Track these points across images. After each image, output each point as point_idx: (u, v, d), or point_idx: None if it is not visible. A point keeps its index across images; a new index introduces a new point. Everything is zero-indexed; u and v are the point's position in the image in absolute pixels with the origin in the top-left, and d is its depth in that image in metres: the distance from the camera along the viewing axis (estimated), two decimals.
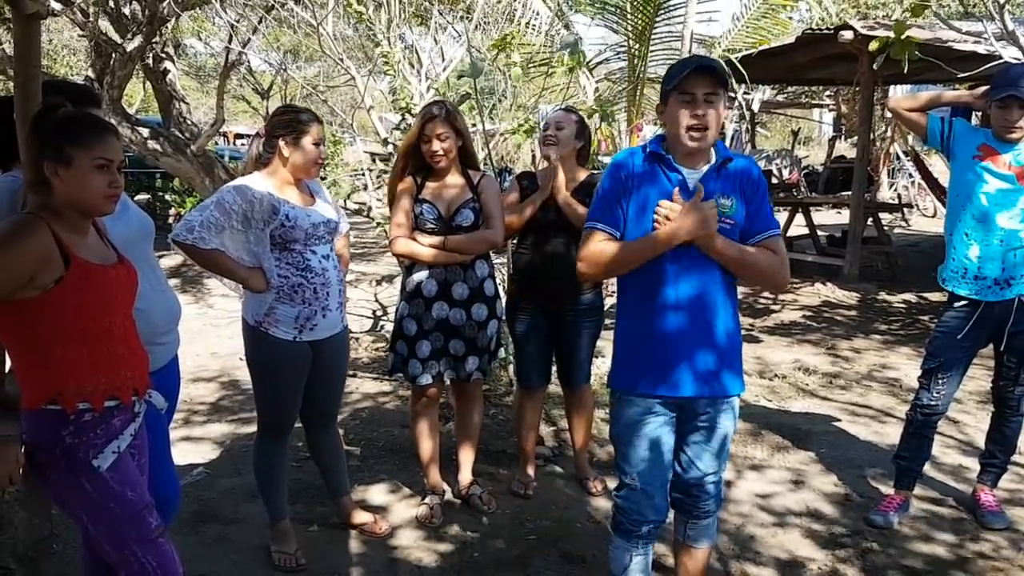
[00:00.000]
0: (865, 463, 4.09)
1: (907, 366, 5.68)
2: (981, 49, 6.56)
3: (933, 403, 3.44)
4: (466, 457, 3.72)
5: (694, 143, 2.30)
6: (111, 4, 8.40)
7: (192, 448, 4.34)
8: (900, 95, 3.05)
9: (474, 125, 5.87)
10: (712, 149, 2.38)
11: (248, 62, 16.65)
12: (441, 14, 7.59)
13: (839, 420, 4.74)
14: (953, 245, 3.34)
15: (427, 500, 3.57)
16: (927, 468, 3.93)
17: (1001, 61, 6.04)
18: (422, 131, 3.33)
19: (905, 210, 13.50)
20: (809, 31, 8.33)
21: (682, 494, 2.53)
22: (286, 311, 2.96)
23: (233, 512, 3.57)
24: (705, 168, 2.36)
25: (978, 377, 5.57)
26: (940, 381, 3.40)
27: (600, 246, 2.38)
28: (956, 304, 3.34)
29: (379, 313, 7.34)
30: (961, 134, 3.35)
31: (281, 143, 2.95)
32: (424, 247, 3.34)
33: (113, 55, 9.19)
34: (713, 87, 2.27)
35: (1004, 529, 3.43)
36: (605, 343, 3.52)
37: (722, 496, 2.61)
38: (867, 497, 3.71)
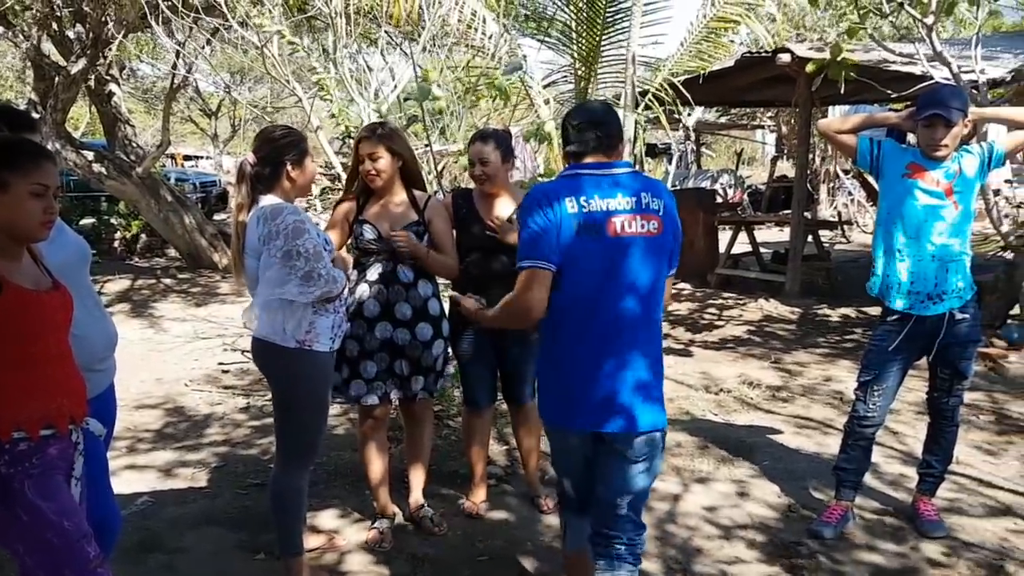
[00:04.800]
0: (808, 474, 4.18)
1: (848, 379, 5.81)
2: (914, 70, 6.79)
3: (870, 414, 3.53)
4: (416, 479, 3.71)
5: None
6: (54, 26, 8.27)
7: (137, 476, 4.26)
8: (832, 117, 3.17)
9: (427, 146, 5.90)
10: None
11: (195, 84, 16.48)
12: (389, 35, 7.63)
13: (783, 432, 4.84)
14: (886, 261, 3.44)
15: (377, 524, 3.55)
16: (869, 478, 4.03)
17: (932, 81, 6.28)
18: (357, 152, 3.40)
19: (844, 227, 13.86)
20: (748, 54, 8.54)
21: (599, 527, 2.49)
22: (324, 322, 2.93)
23: (178, 541, 3.51)
24: None
25: (917, 388, 5.71)
26: (876, 393, 3.49)
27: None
28: (889, 318, 3.44)
29: None
30: (890, 153, 3.46)
31: (289, 166, 2.93)
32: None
33: (56, 78, 9.04)
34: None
35: (943, 537, 3.51)
36: None
37: (640, 547, 2.52)
38: (810, 508, 3.79)
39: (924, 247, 3.34)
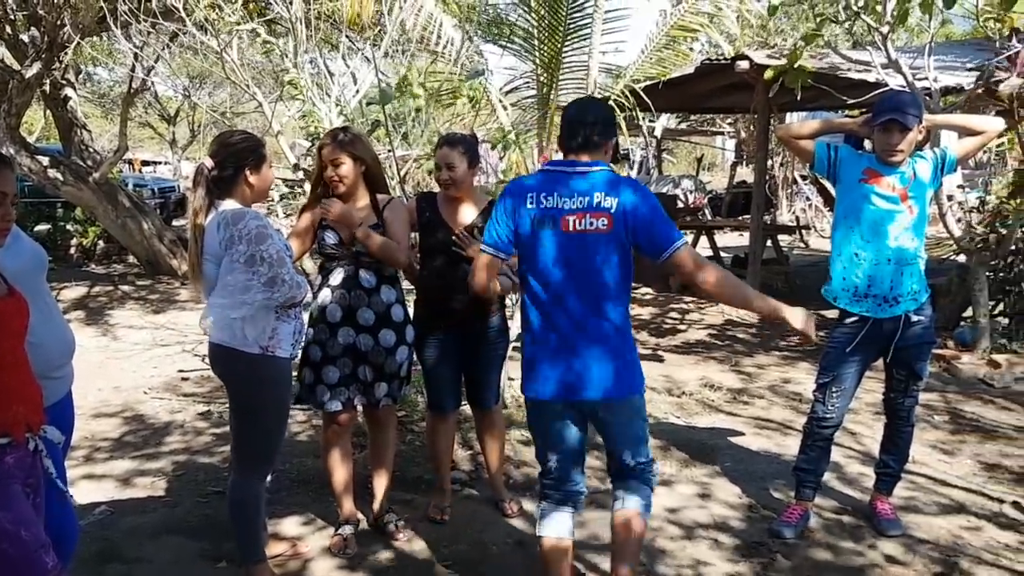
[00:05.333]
0: (768, 475, 4.24)
1: (807, 380, 5.90)
2: (869, 77, 6.93)
3: (828, 415, 3.59)
4: (380, 484, 3.69)
5: None
6: (8, 30, 8.11)
7: (95, 486, 4.19)
8: (792, 123, 3.25)
9: (390, 151, 5.89)
10: None
11: (154, 88, 16.27)
12: (351, 40, 7.60)
13: (744, 434, 4.91)
14: (843, 264, 3.49)
15: (340, 530, 3.52)
16: (829, 478, 4.10)
17: (887, 88, 6.41)
18: (320, 158, 3.41)
19: (802, 232, 14.09)
20: (707, 61, 8.65)
21: (617, 471, 2.90)
22: (286, 328, 2.94)
23: (137, 551, 3.45)
24: None
25: (874, 389, 5.82)
26: (834, 394, 3.56)
27: None
28: (846, 320, 3.50)
29: None
30: (846, 159, 3.52)
31: (247, 171, 2.92)
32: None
33: (10, 82, 8.87)
34: None
35: (900, 536, 3.58)
36: (513, 363, 3.57)
37: (653, 472, 2.93)
38: (771, 508, 3.85)
39: (880, 251, 3.40)
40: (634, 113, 6.14)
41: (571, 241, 2.63)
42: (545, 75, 6.07)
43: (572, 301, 2.66)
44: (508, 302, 4.57)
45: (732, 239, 13.84)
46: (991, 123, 3.52)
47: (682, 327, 8.07)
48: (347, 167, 3.36)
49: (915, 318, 3.43)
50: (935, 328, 3.62)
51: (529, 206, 2.66)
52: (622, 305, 2.72)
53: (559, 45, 5.80)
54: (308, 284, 3.00)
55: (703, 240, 10.28)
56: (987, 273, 6.73)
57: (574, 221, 2.61)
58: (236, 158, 2.91)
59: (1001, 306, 7.06)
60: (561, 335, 2.68)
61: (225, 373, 3.03)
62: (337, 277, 3.39)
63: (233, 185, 2.92)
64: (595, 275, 2.64)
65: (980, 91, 6.33)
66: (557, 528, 2.85)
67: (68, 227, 12.69)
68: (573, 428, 2.79)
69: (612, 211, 2.59)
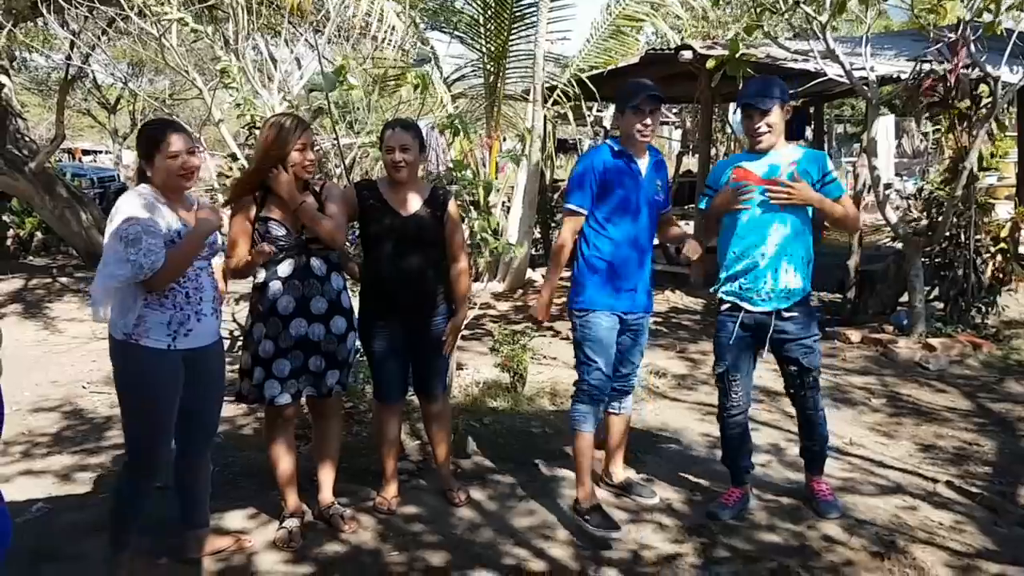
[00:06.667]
0: (711, 459, 4.31)
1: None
2: (810, 66, 7.06)
3: (734, 403, 3.68)
4: (326, 476, 3.67)
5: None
6: None
7: (32, 482, 4.09)
8: (693, 244, 3.46)
9: (335, 139, 5.82)
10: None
11: (93, 75, 15.85)
12: (293, 25, 7.49)
13: (688, 419, 4.98)
14: (725, 261, 3.59)
15: (286, 524, 3.48)
16: (769, 460, 4.20)
17: (826, 78, 6.55)
18: (285, 144, 3.25)
19: None
20: (652, 51, 8.72)
21: (619, 380, 3.73)
22: (157, 317, 2.87)
23: (75, 549, 3.37)
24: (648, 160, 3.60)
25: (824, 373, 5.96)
26: (734, 382, 3.65)
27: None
28: (722, 308, 3.63)
29: (236, 333, 7.12)
30: (717, 172, 3.71)
31: (143, 162, 2.90)
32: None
33: None
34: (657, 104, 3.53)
35: (839, 517, 3.65)
36: (459, 352, 3.56)
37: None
38: (712, 491, 3.91)
39: (755, 244, 3.48)
40: (579, 103, 6.17)
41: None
42: (492, 64, 6.07)
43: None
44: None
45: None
46: (850, 224, 3.75)
47: None
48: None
49: (787, 314, 3.50)
50: (816, 323, 3.64)
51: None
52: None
53: (506, 33, 5.80)
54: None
55: None
56: (923, 259, 6.92)
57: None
58: (137, 148, 2.97)
59: (936, 291, 7.27)
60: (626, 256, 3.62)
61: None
62: (286, 268, 3.34)
63: (144, 172, 2.95)
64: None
65: (923, 83, 6.49)
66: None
67: (4, 218, 12.32)
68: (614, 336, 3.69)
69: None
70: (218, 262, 3.25)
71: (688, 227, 11.48)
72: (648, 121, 3.47)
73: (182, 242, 2.89)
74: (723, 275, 3.60)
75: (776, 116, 3.41)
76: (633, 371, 3.81)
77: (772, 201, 3.42)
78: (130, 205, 2.82)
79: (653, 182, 3.61)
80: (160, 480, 3.16)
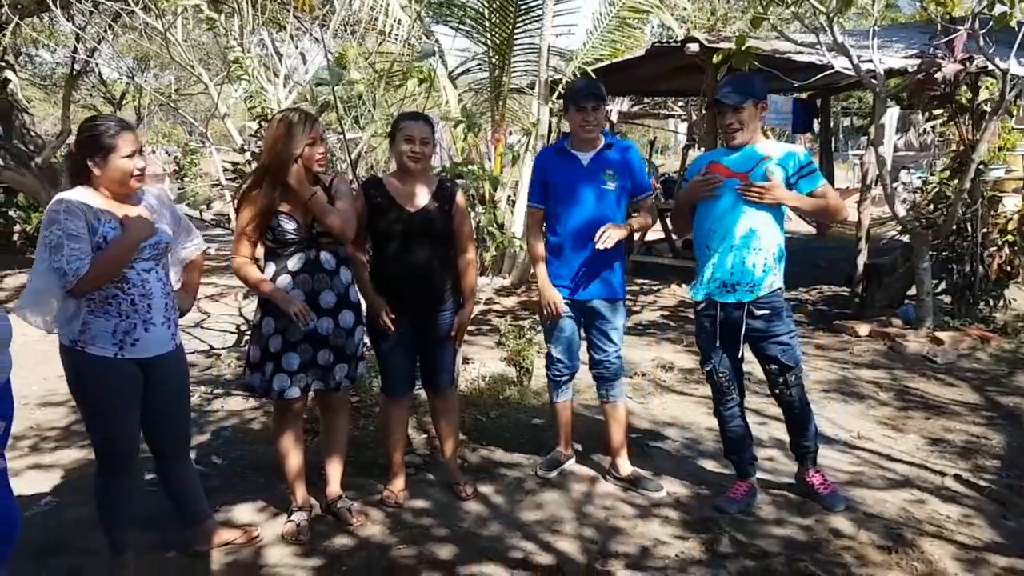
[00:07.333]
0: (718, 453, 4.29)
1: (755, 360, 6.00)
2: (816, 59, 7.03)
3: (727, 397, 3.69)
4: (334, 470, 3.68)
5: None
6: None
7: (41, 476, 4.10)
8: (672, 223, 3.55)
9: (341, 133, 5.82)
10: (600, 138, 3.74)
11: (98, 70, 15.86)
12: (299, 19, 7.48)
13: (695, 413, 4.97)
14: (699, 255, 3.60)
15: (294, 517, 3.50)
16: (777, 455, 4.19)
17: (833, 71, 6.51)
18: (297, 138, 3.22)
19: None
20: (658, 44, 8.69)
21: (596, 367, 3.88)
22: (101, 325, 2.83)
23: (83, 543, 3.38)
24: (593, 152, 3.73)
25: (821, 368, 5.98)
26: (723, 377, 3.66)
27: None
28: (698, 307, 3.63)
29: (243, 328, 7.14)
30: (695, 167, 3.72)
31: (90, 163, 2.83)
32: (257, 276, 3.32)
33: None
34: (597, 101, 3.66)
35: (845, 509, 3.65)
36: (467, 346, 3.56)
37: (623, 367, 3.94)
38: (720, 485, 3.90)
39: (723, 237, 3.48)
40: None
41: None
42: (497, 57, 6.05)
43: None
44: None
45: None
46: (832, 214, 3.63)
47: (636, 308, 8.14)
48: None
49: (757, 311, 3.49)
50: (789, 319, 3.61)
51: None
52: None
53: (511, 27, 5.78)
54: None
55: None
56: (930, 252, 6.89)
57: None
58: (79, 148, 2.87)
59: (944, 284, 7.24)
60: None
61: None
62: (296, 262, 3.33)
63: (80, 174, 2.88)
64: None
65: (920, 77, 6.45)
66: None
67: (10, 213, 12.34)
68: (573, 323, 3.96)
69: None
70: (189, 255, 3.24)
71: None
72: (589, 117, 3.67)
73: (108, 248, 2.80)
74: (698, 271, 3.62)
75: (748, 113, 3.44)
76: (607, 357, 3.85)
77: (746, 198, 3.43)
78: (53, 211, 2.76)
79: (598, 172, 3.73)
80: (136, 479, 3.17)
